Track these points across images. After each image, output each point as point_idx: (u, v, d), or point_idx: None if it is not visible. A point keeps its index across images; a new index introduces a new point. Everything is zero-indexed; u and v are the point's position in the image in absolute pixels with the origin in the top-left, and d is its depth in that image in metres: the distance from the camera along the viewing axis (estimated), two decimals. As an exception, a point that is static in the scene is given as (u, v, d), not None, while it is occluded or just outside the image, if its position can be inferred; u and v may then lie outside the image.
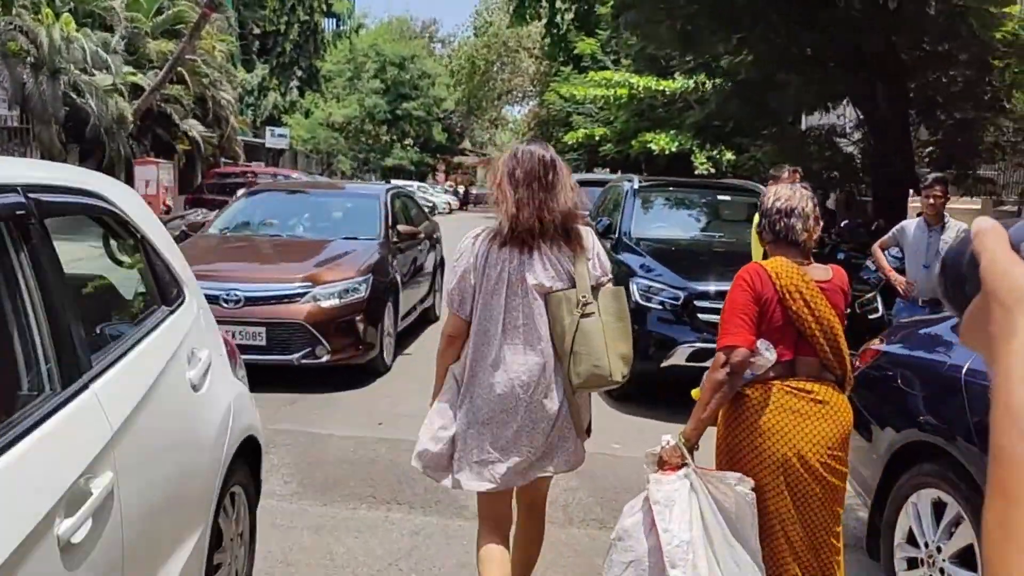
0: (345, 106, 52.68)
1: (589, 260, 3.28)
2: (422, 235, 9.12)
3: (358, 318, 7.24)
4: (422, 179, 64.75)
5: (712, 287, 6.93)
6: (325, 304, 7.07)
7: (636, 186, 9.35)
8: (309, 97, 49.81)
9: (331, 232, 8.54)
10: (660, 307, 7.01)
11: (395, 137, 59.20)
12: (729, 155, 26.04)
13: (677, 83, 25.99)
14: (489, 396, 3.20)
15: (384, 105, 55.98)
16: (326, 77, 53.09)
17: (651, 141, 27.44)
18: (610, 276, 3.36)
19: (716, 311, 6.02)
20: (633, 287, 7.14)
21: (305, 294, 7.07)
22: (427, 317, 10.63)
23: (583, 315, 3.18)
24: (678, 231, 8.85)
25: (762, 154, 24.95)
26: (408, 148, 60.11)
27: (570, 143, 34.57)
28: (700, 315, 6.82)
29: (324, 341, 7.05)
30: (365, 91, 55.44)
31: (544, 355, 3.19)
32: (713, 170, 26.59)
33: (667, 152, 27.53)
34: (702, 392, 3.04)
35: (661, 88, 26.29)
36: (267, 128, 43.95)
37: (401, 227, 8.79)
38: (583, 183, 10.74)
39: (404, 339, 9.26)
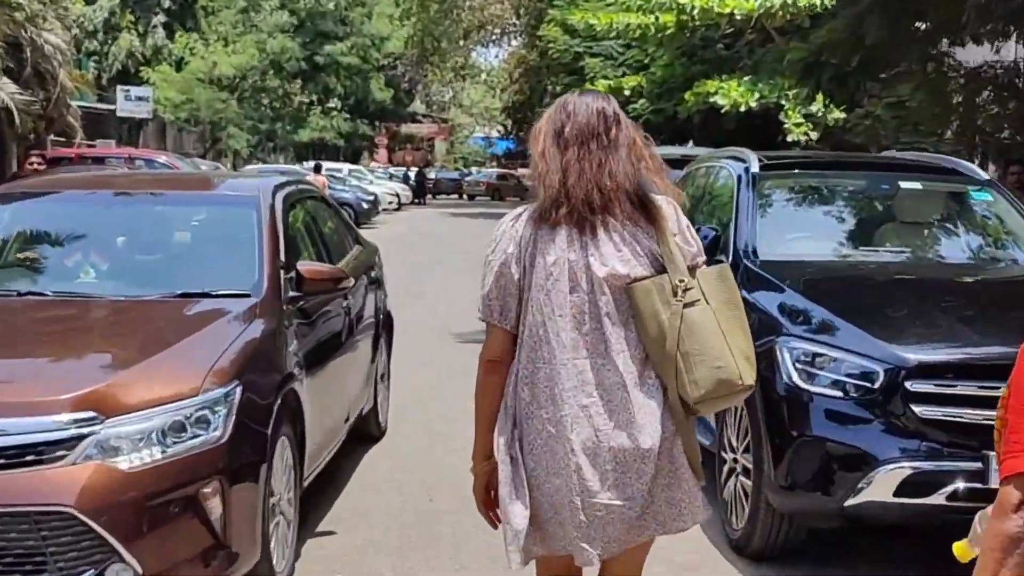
0: (237, 52, 51.38)
1: (676, 235, 3.45)
2: (347, 279, 6.37)
3: (207, 489, 4.87)
4: (355, 159, 63.02)
5: (948, 356, 6.04)
6: (126, 463, 4.82)
7: (756, 169, 7.97)
8: (182, 39, 48.80)
9: (156, 282, 6.25)
10: (838, 394, 5.98)
11: (314, 97, 58.70)
12: (837, 113, 24.03)
13: (751, 1, 24.03)
14: (553, 435, 3.36)
15: (296, 50, 55.35)
16: (207, 9, 52.34)
17: (715, 92, 25.39)
18: (704, 256, 3.56)
19: (955, 402, 5.71)
20: (783, 355, 6.15)
21: (78, 441, 4.75)
22: (365, 432, 8.45)
23: (686, 304, 3.34)
24: (837, 246, 7.85)
25: (885, 108, 23.10)
26: (334, 113, 59.64)
27: None
28: (920, 408, 5.78)
29: (125, 551, 4.69)
30: (267, 29, 54.74)
31: (622, 370, 3.35)
32: (814, 135, 24.54)
33: (740, 109, 25.45)
34: (981, 554, 2.58)
35: (728, 9, 24.24)
36: (119, 88, 43.03)
37: (306, 265, 6.18)
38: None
39: (320, 493, 7.06)
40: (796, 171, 8.57)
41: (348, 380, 7.36)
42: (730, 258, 7.33)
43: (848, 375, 5.92)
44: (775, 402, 6.04)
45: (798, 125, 24.47)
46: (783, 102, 24.67)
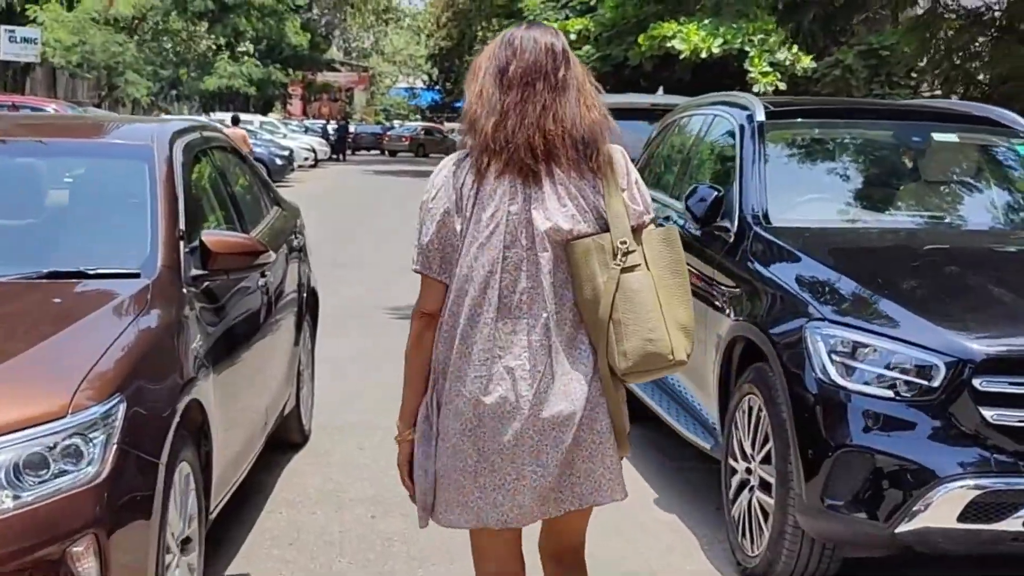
0: None
1: (624, 191, 3.44)
2: (266, 253, 5.33)
3: (79, 548, 3.85)
4: (267, 110, 61.71)
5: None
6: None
7: (761, 118, 7.15)
8: None
9: (13, 258, 5.27)
10: (886, 393, 5.25)
11: (222, 41, 57.30)
12: (807, 61, 23.42)
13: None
14: (472, 396, 3.37)
15: None
16: (102, -60, 49.67)
17: (673, 36, 24.59)
18: (652, 214, 3.53)
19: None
20: (814, 344, 5.39)
21: None
22: (285, 438, 7.51)
23: (625, 269, 3.35)
24: (860, 209, 7.16)
25: (856, 56, 22.69)
26: (244, 59, 58.21)
27: None
28: (991, 412, 5.13)
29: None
30: None
31: (553, 333, 3.36)
32: (782, 85, 23.90)
33: (702, 56, 24.72)
34: None
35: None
36: (2, 29, 41.31)
37: (214, 235, 5.21)
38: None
39: (233, 518, 6.05)
40: (809, 120, 7.75)
41: (266, 377, 6.36)
42: (735, 223, 6.57)
43: (898, 369, 5.18)
44: (805, 402, 5.26)
45: (764, 74, 23.84)
46: (748, 48, 24.00)
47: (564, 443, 3.37)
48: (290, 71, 63.45)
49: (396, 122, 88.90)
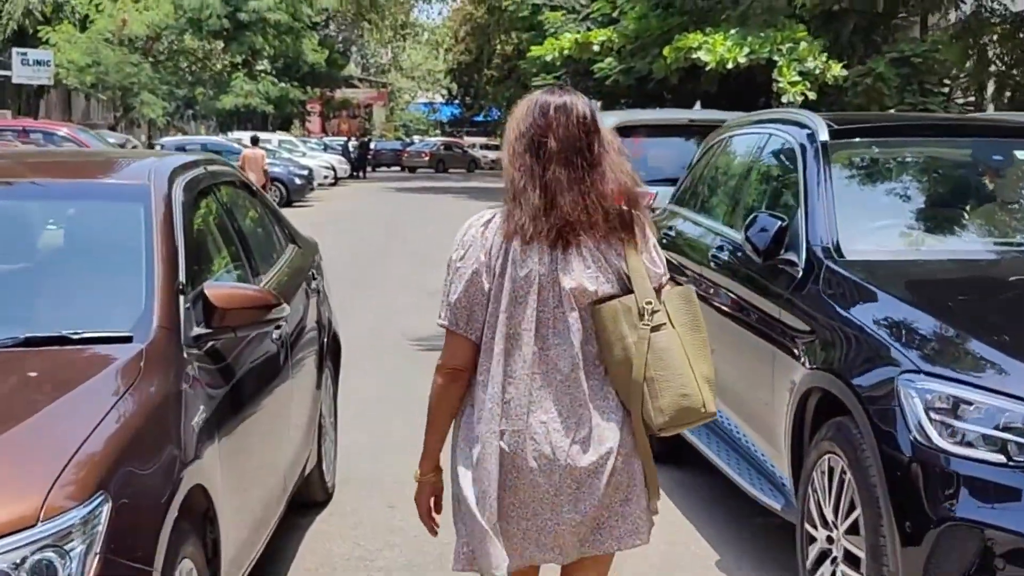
0: (150, 8, 49.36)
1: (643, 253, 3.60)
2: (280, 306, 4.62)
3: None
4: (285, 128, 61.25)
5: None
6: None
7: (825, 138, 6.48)
8: None
9: None
10: (997, 457, 4.54)
11: (238, 59, 56.68)
12: (836, 69, 22.80)
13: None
14: (510, 451, 3.50)
15: (217, 5, 53.14)
16: (116, -41, 49.52)
17: (699, 48, 24.02)
18: (668, 276, 3.71)
19: None
20: (909, 399, 4.68)
21: None
22: (306, 497, 6.86)
23: (653, 328, 3.49)
24: (942, 237, 6.46)
25: (887, 65, 22.29)
26: (261, 77, 57.71)
27: (541, 61, 31.21)
28: None
29: None
30: None
31: (584, 388, 3.51)
32: (811, 94, 23.30)
33: (728, 67, 24.16)
34: None
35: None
36: (14, 51, 40.89)
37: (219, 288, 4.57)
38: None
39: None
40: (877, 138, 7.03)
41: (284, 438, 5.69)
42: (802, 256, 5.89)
43: (1009, 429, 4.51)
44: (900, 467, 4.58)
45: (794, 83, 23.19)
46: (776, 57, 23.35)
47: (599, 490, 3.50)
48: (308, 88, 62.88)
49: (416, 137, 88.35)
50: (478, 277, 3.50)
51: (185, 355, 4.36)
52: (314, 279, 7.00)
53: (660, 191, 10.80)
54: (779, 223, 5.96)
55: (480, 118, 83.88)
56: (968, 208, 6.62)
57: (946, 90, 24.49)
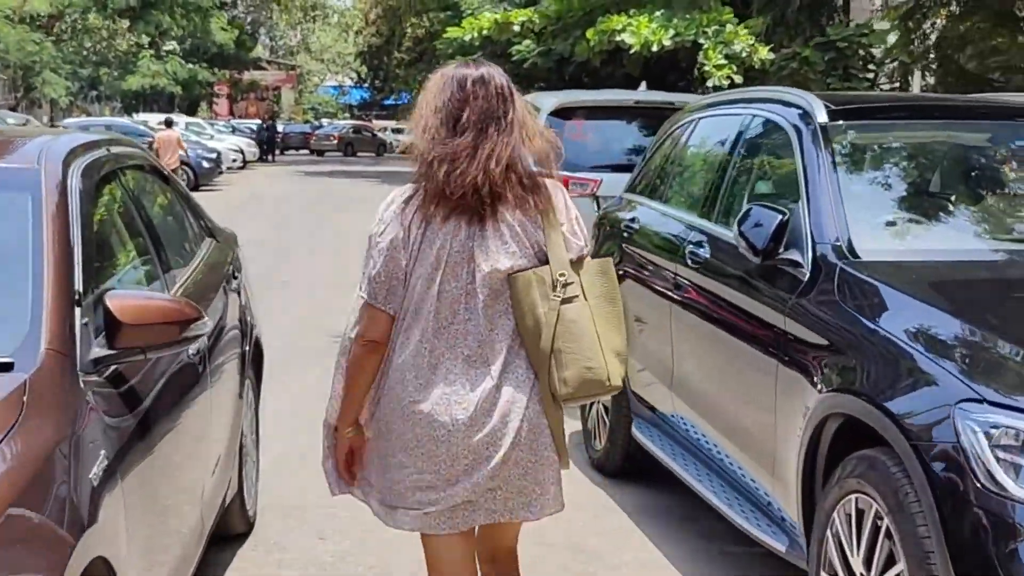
0: None
1: (563, 225, 3.66)
2: (199, 320, 3.62)
3: None
4: (192, 110, 59.82)
5: None
6: None
7: (823, 119, 5.64)
8: None
9: None
10: None
11: (144, 39, 54.99)
12: (764, 52, 22.26)
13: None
14: (409, 419, 3.58)
15: None
16: (17, -64, 47.67)
17: (623, 30, 23.24)
18: (589, 246, 3.83)
19: None
20: (970, 435, 3.77)
21: None
22: (225, 528, 5.89)
23: (564, 300, 3.57)
24: (966, 233, 5.52)
25: (811, 50, 22.04)
26: (168, 57, 56.16)
27: (457, 42, 30.34)
28: None
29: None
30: None
31: (491, 361, 3.56)
32: (738, 78, 22.73)
33: (651, 50, 23.45)
34: None
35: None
36: None
37: (124, 298, 3.76)
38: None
39: None
40: (883, 120, 6.18)
41: (201, 469, 4.75)
42: (808, 255, 5.04)
43: None
44: (962, 516, 3.71)
45: (720, 67, 22.51)
46: (701, 40, 22.68)
47: (496, 460, 3.53)
48: (216, 70, 61.42)
49: (325, 121, 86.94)
50: (395, 252, 3.53)
51: (81, 384, 3.42)
52: (234, 277, 6.05)
53: (605, 177, 10.01)
54: (779, 217, 5.10)
55: (390, 101, 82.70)
56: (992, 198, 5.81)
57: (871, 75, 24.19)
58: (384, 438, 3.63)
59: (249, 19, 72.97)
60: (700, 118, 7.15)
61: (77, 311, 3.59)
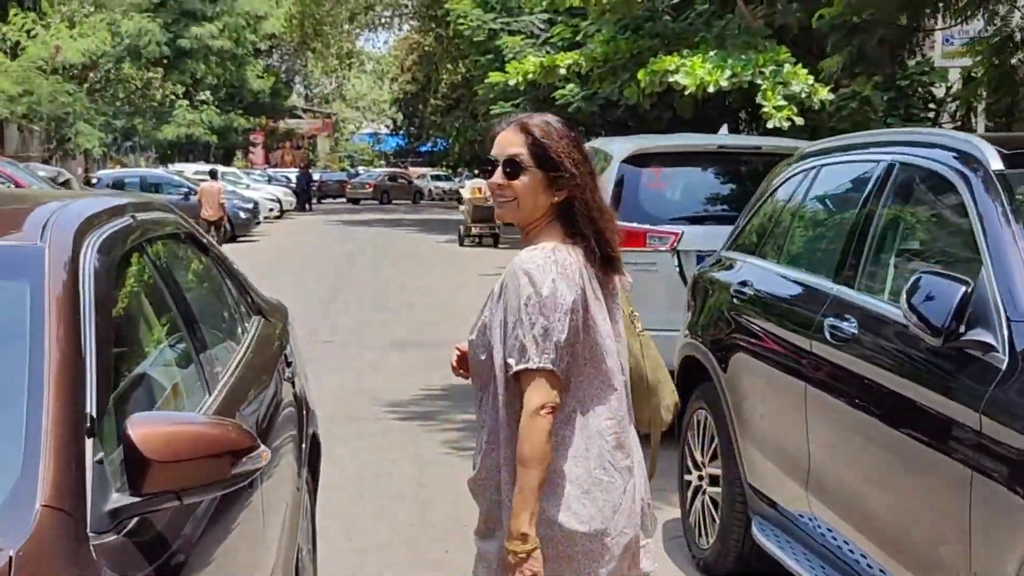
0: (85, 35, 46.76)
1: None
2: (253, 451, 2.62)
3: None
4: (228, 159, 59.39)
5: None
6: None
7: (998, 166, 4.70)
8: (17, 19, 43.70)
9: None
10: None
11: (180, 88, 54.58)
12: (823, 92, 21.36)
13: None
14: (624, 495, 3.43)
15: (157, 32, 51.45)
16: (48, -17, 47.91)
17: (676, 71, 22.36)
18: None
19: None
20: None
21: None
22: None
23: (640, 331, 3.74)
24: None
25: (872, 89, 21.31)
26: (204, 107, 55.66)
27: (499, 87, 29.62)
28: None
29: None
30: (121, 8, 50.67)
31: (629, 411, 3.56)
32: (798, 119, 21.87)
33: (708, 91, 22.59)
34: None
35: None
36: None
37: (147, 422, 2.84)
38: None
39: None
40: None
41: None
42: (1004, 334, 3.99)
43: None
44: None
45: (779, 108, 21.59)
46: (759, 80, 21.80)
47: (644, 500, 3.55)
48: (251, 118, 61.00)
49: (361, 168, 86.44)
50: (577, 310, 3.28)
51: (93, 553, 2.46)
52: (288, 362, 5.08)
53: (686, 231, 9.03)
54: (962, 289, 4.10)
55: (426, 148, 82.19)
56: None
57: (932, 115, 23.42)
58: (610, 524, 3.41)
59: (284, 67, 72.57)
60: (821, 165, 6.15)
61: (88, 444, 2.63)
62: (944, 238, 4.87)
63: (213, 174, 33.40)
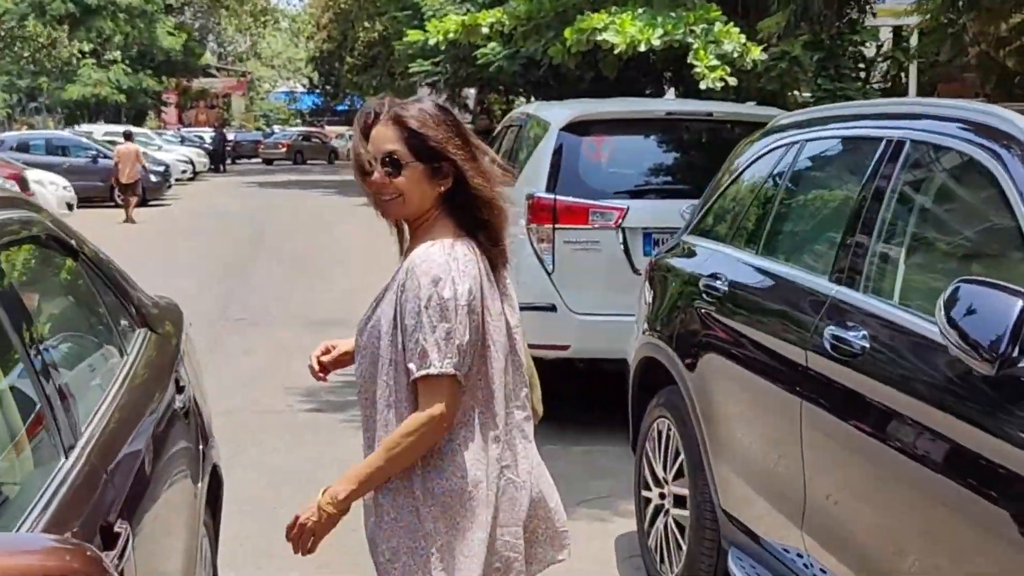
0: None
1: None
2: None
3: None
4: (139, 119, 57.89)
5: None
6: None
7: None
8: None
9: None
10: None
11: (87, 47, 52.57)
12: (756, 52, 20.80)
13: None
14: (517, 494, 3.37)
15: None
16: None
17: (604, 28, 21.65)
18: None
19: None
20: None
21: None
22: None
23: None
24: None
25: (801, 49, 21.04)
26: (112, 65, 53.81)
27: (418, 46, 28.85)
28: None
29: None
30: None
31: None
32: (731, 80, 21.24)
33: (638, 50, 21.93)
34: None
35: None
36: None
37: None
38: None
39: None
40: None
41: None
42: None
43: None
44: None
45: (712, 68, 20.92)
46: (690, 40, 21.10)
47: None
48: (163, 78, 59.42)
49: (277, 127, 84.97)
50: (475, 310, 3.16)
51: None
52: (179, 388, 4.14)
53: (632, 205, 8.24)
54: (1019, 304, 3.28)
55: (343, 107, 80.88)
56: None
57: (863, 75, 22.96)
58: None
59: (197, 25, 70.92)
60: (804, 140, 5.29)
61: None
62: (975, 232, 4.04)
63: (127, 135, 32.76)
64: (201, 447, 4.16)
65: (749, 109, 9.54)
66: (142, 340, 4.00)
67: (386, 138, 3.16)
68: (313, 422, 8.81)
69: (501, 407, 3.26)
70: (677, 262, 6.02)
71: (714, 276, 5.36)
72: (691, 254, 5.90)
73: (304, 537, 3.17)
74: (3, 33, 49.67)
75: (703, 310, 5.40)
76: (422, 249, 3.14)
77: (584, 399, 9.30)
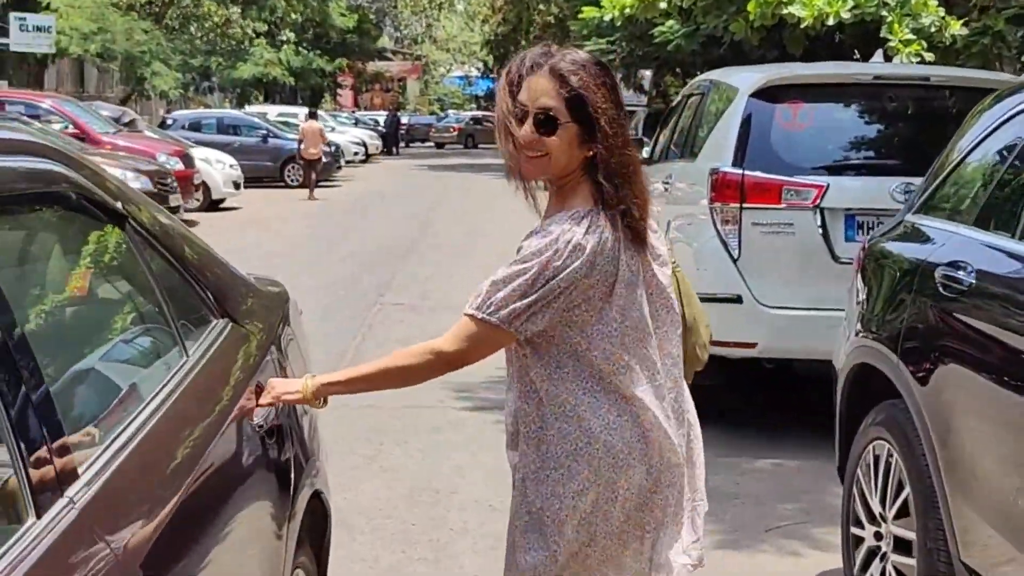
0: None
1: None
2: None
3: None
4: (315, 101, 58.63)
5: None
6: None
7: None
8: None
9: None
10: None
11: (258, 26, 53.37)
12: (956, 26, 19.79)
13: None
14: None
15: None
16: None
17: (791, 2, 20.81)
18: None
19: None
20: None
21: None
22: None
23: (675, 264, 3.45)
24: None
25: (1005, 24, 19.96)
26: (284, 45, 54.66)
27: (594, 22, 28.15)
28: None
29: None
30: None
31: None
32: (928, 55, 20.23)
33: (827, 23, 21.08)
34: None
35: None
36: (12, 16, 37.69)
37: None
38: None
39: None
40: None
41: None
42: None
43: None
44: None
45: (907, 43, 19.97)
46: (884, 12, 20.12)
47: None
48: (334, 59, 60.17)
49: (451, 112, 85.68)
50: (570, 295, 3.00)
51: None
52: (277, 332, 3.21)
53: (832, 183, 7.30)
54: None
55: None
56: None
57: (1074, 53, 21.87)
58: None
59: (374, 8, 71.65)
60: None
61: None
62: None
63: (312, 114, 34.25)
64: (293, 475, 3.23)
65: (974, 73, 8.39)
66: (217, 334, 3.09)
67: (543, 90, 2.97)
68: (462, 422, 7.98)
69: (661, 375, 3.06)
70: (901, 248, 4.97)
71: (955, 265, 4.28)
72: (921, 238, 4.85)
73: (270, 398, 3.08)
74: (178, 12, 50.31)
75: (940, 307, 4.32)
76: (566, 221, 2.94)
77: (774, 404, 8.50)
